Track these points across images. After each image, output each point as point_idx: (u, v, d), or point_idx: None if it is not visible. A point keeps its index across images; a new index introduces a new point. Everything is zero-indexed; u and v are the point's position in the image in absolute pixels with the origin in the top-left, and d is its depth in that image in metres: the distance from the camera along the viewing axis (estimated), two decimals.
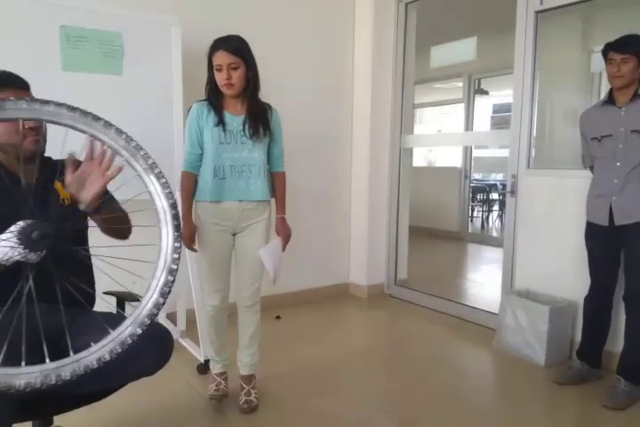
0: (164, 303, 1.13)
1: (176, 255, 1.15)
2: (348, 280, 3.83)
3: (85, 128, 1.11)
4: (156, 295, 1.12)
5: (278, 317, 3.19)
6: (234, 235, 2.02)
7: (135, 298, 1.58)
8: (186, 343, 2.66)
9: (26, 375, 0.97)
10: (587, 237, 2.31)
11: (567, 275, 2.60)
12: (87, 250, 1.46)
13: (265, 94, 2.05)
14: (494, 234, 7.02)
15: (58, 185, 1.37)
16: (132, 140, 1.15)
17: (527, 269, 2.82)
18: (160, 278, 1.13)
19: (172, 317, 2.86)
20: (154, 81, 2.56)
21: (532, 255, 2.79)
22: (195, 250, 2.00)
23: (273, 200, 2.10)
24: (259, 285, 2.07)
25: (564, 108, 3.08)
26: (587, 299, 2.34)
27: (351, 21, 3.62)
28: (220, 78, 1.87)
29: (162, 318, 2.87)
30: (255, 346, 2.11)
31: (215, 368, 2.13)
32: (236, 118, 1.95)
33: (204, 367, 2.36)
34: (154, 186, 1.16)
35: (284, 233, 2.10)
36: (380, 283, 3.79)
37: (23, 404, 1.14)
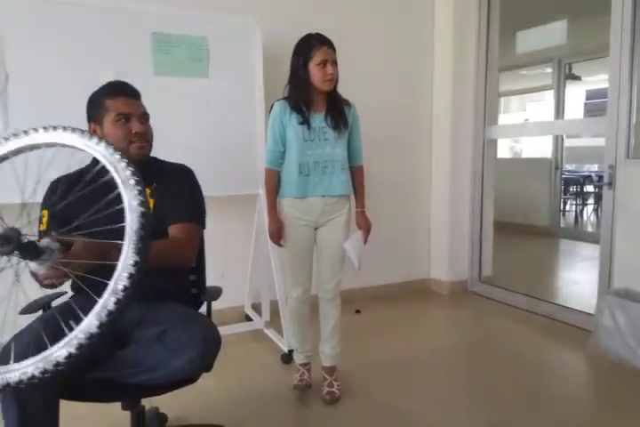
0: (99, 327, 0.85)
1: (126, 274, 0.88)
2: (428, 276, 3.76)
3: (80, 146, 1.01)
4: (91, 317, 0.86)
5: (358, 311, 3.20)
6: (315, 229, 2.06)
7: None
8: (270, 333, 2.75)
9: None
10: None
11: None
12: None
13: (345, 88, 2.07)
14: (589, 229, 6.54)
15: (147, 190, 1.36)
16: (116, 152, 1.00)
17: (626, 266, 2.60)
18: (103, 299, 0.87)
19: (256, 307, 2.97)
20: (236, 82, 2.66)
21: (631, 252, 2.57)
22: (281, 245, 2.06)
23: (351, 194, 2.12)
24: (339, 278, 2.10)
25: None
26: None
27: (431, 7, 3.52)
28: (324, 73, 1.90)
29: (247, 309, 3.00)
30: (336, 338, 2.14)
31: (299, 359, 2.19)
32: (317, 115, 1.98)
33: (287, 357, 2.43)
34: (128, 197, 0.94)
35: (365, 226, 2.13)
36: (463, 280, 3.68)
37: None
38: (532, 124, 5.93)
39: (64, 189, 1.30)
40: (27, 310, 1.39)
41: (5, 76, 2.18)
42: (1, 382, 0.87)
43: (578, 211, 6.93)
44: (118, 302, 0.85)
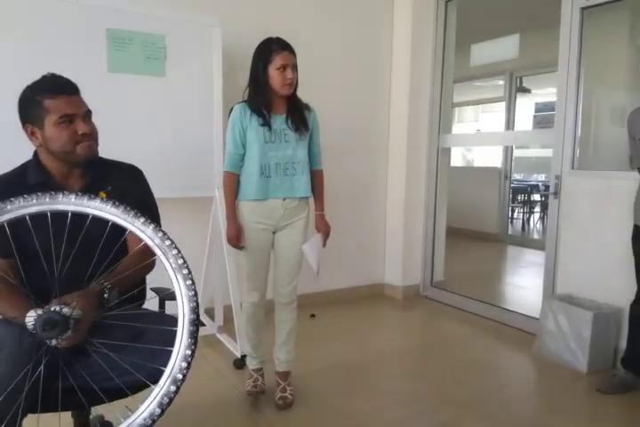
0: (160, 415, 1.04)
1: (185, 364, 1.07)
2: (383, 281, 3.81)
3: (126, 224, 1.14)
4: (153, 405, 1.04)
5: (313, 315, 3.21)
6: (274, 233, 2.05)
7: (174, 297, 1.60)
8: (223, 339, 2.71)
9: None
10: (634, 241, 2.22)
11: (612, 280, 2.50)
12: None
13: (305, 94, 2.08)
14: (535, 236, 6.84)
15: (102, 195, 1.37)
16: (167, 238, 1.15)
17: (570, 273, 2.74)
18: (163, 387, 1.05)
19: (209, 312, 2.92)
20: (194, 82, 2.62)
21: (575, 259, 2.71)
22: (241, 248, 2.03)
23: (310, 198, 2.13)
24: (296, 282, 2.10)
25: (611, 106, 2.96)
26: (633, 305, 2.25)
27: (390, 20, 3.60)
28: (283, 77, 1.90)
29: (200, 314, 2.93)
30: (292, 343, 2.13)
31: (252, 364, 2.17)
32: (278, 117, 1.98)
33: (240, 363, 2.40)
34: (179, 287, 1.13)
35: (325, 229, 2.14)
36: (415, 284, 3.75)
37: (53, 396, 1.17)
38: (483, 134, 6.16)
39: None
40: None
41: None
42: None
43: (525, 219, 7.23)
44: (177, 391, 1.04)
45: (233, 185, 2.01)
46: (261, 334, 2.16)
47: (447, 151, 3.75)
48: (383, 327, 3.18)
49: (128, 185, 1.48)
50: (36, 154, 1.40)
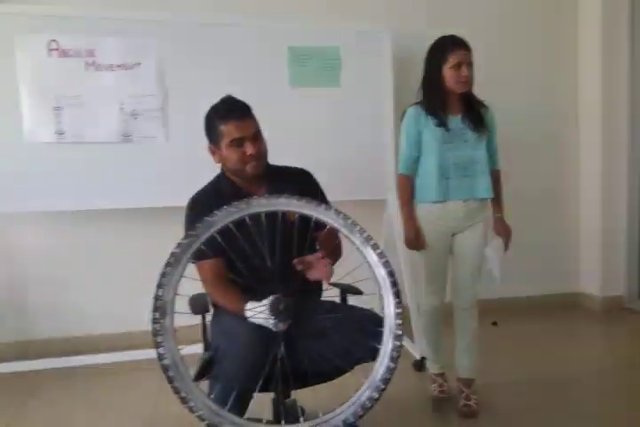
0: (395, 368, 1.24)
1: (399, 321, 1.25)
2: (577, 289, 3.40)
3: (310, 212, 1.29)
4: (386, 360, 1.24)
5: (495, 323, 3.00)
6: (453, 235, 1.98)
7: (358, 291, 1.66)
8: None
9: None
10: None
11: None
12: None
13: (480, 90, 1.98)
14: None
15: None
16: (348, 217, 1.29)
17: None
18: (388, 344, 1.25)
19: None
20: (366, 89, 2.69)
21: None
22: (421, 249, 1.99)
23: None
24: (477, 286, 1.99)
25: None
26: None
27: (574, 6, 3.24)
28: (458, 75, 1.85)
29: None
30: (475, 350, 2.02)
31: (433, 368, 2.11)
32: (454, 118, 1.92)
33: (420, 365, 2.36)
34: (371, 257, 1.27)
35: (505, 232, 2.02)
36: (617, 295, 3.27)
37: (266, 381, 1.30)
38: None
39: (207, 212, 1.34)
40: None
41: (165, 94, 2.45)
42: None
43: None
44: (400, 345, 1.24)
45: (410, 187, 1.99)
46: (440, 339, 2.09)
47: None
48: (578, 342, 2.83)
49: (302, 186, 1.58)
50: (222, 168, 1.60)
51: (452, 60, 1.84)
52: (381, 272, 1.27)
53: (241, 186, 1.57)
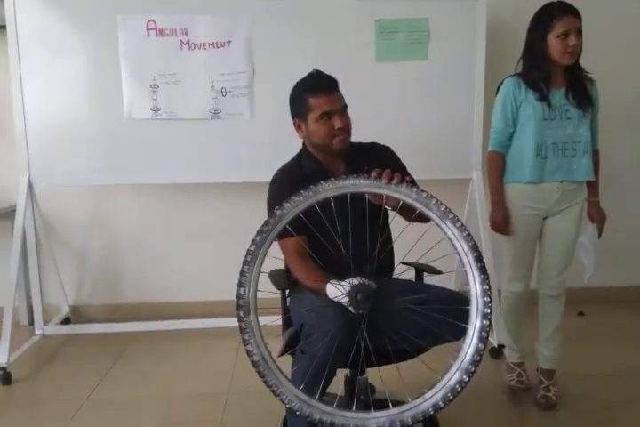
0: (484, 349, 1.20)
1: (487, 298, 1.20)
2: None
3: (381, 191, 1.26)
4: (475, 341, 1.19)
5: (581, 313, 2.86)
6: (544, 218, 1.89)
7: (436, 271, 1.64)
8: None
9: (375, 420, 1.18)
10: None
11: None
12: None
13: (584, 61, 1.83)
14: None
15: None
16: (422, 191, 1.25)
17: None
18: (476, 324, 1.20)
19: (463, 295, 2.88)
20: (456, 61, 2.57)
21: None
22: (509, 234, 1.91)
23: None
24: (566, 274, 1.90)
25: None
26: None
27: None
28: (564, 45, 1.72)
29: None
30: (558, 340, 1.95)
31: (512, 357, 2.05)
32: (558, 91, 1.79)
33: (497, 352, 2.31)
34: (451, 231, 1.21)
35: (600, 218, 1.91)
36: None
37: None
38: None
39: (289, 188, 1.38)
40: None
41: (253, 71, 2.50)
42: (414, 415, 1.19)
43: None
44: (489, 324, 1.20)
45: (501, 166, 1.89)
46: (523, 326, 2.02)
47: None
48: None
49: (383, 163, 1.55)
50: (304, 144, 1.61)
51: (558, 28, 1.71)
52: (464, 247, 1.21)
53: (322, 163, 1.58)
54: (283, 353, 1.40)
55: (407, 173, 1.61)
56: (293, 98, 1.58)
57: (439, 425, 1.72)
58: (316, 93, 1.49)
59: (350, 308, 1.27)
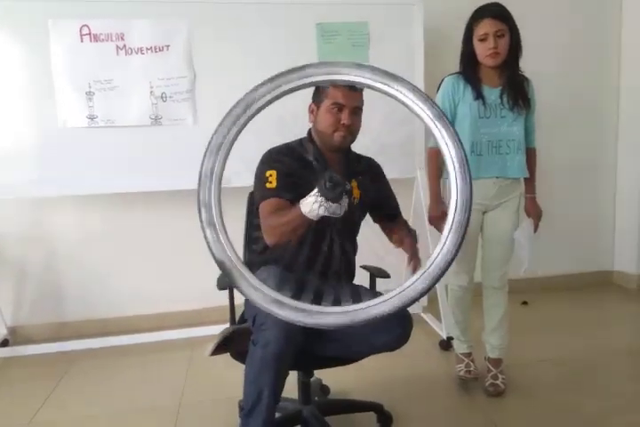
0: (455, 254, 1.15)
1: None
2: (611, 267, 3.33)
3: (375, 84, 1.12)
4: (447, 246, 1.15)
5: (525, 302, 2.98)
6: (484, 213, 1.96)
7: (386, 275, 1.70)
8: (428, 318, 2.72)
9: (334, 315, 1.06)
10: None
11: None
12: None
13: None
14: None
15: (353, 184, 1.58)
16: (419, 90, 1.14)
17: None
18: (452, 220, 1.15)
19: None
20: (396, 62, 2.59)
21: None
22: (442, 231, 1.97)
23: None
24: (508, 266, 1.98)
25: None
26: None
27: None
28: (484, 48, 1.80)
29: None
30: (504, 329, 2.03)
31: (460, 348, 2.12)
32: (493, 91, 1.87)
33: (446, 344, 2.38)
34: (440, 134, 1.15)
35: (536, 213, 1.99)
36: None
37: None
38: None
39: (282, 159, 1.52)
40: None
41: (194, 75, 2.47)
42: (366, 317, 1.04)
43: None
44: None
45: (439, 163, 1.94)
46: (469, 318, 2.09)
47: None
48: (611, 321, 2.79)
49: (377, 178, 1.73)
50: (309, 133, 1.63)
51: (478, 30, 1.80)
52: (451, 152, 1.16)
53: (322, 151, 1.60)
54: (215, 352, 1.39)
55: (391, 191, 1.75)
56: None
57: (392, 418, 1.76)
58: (338, 85, 1.51)
59: (331, 209, 1.22)
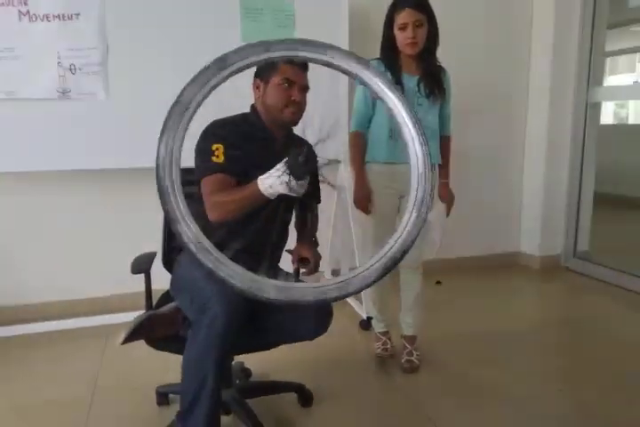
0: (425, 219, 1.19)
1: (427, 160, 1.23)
2: (518, 249, 3.58)
3: (321, 57, 1.23)
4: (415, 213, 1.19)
5: (439, 282, 3.13)
6: (400, 198, 2.01)
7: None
8: (349, 300, 2.78)
9: (300, 290, 1.08)
10: None
11: None
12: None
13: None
14: None
15: None
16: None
17: None
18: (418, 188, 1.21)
19: (336, 273, 3.01)
20: None
21: None
22: (369, 212, 2.02)
23: None
24: (423, 247, 2.04)
25: None
26: None
27: None
28: (404, 37, 1.83)
29: (327, 275, 3.04)
30: (419, 308, 2.11)
31: (378, 327, 2.19)
32: (411, 78, 1.91)
33: (366, 324, 2.45)
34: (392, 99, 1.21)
35: (448, 198, 2.07)
36: (555, 254, 3.47)
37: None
38: None
39: (229, 132, 1.46)
40: None
41: (106, 47, 2.30)
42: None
43: None
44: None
45: (362, 144, 1.97)
46: (387, 298, 2.17)
47: (597, 106, 3.33)
48: (517, 299, 3.01)
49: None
50: (253, 107, 1.57)
51: (398, 20, 1.83)
52: (403, 115, 1.24)
53: (267, 126, 1.55)
54: (127, 339, 1.34)
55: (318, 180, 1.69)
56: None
57: (312, 397, 1.79)
58: (289, 63, 1.48)
59: (292, 186, 1.20)
